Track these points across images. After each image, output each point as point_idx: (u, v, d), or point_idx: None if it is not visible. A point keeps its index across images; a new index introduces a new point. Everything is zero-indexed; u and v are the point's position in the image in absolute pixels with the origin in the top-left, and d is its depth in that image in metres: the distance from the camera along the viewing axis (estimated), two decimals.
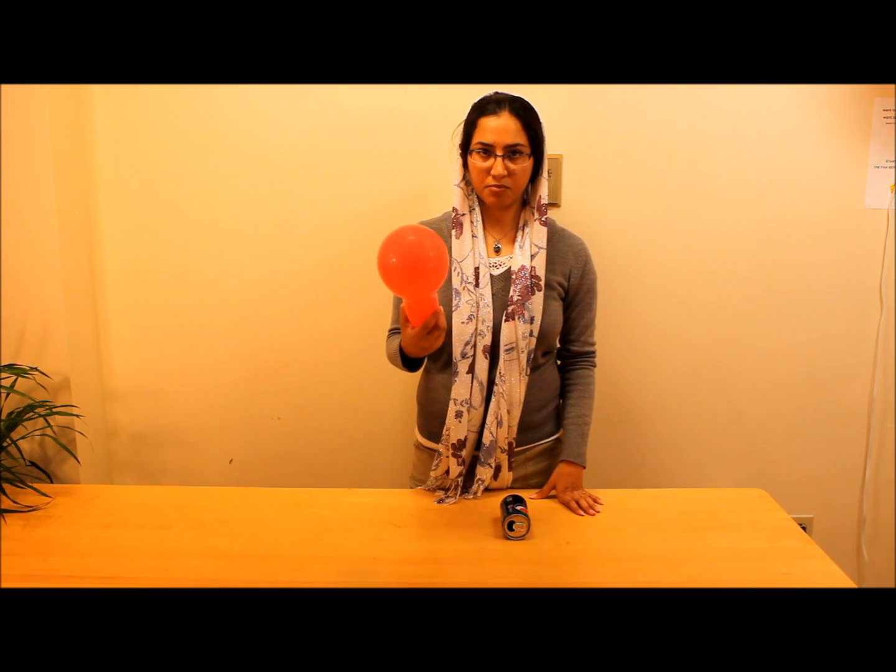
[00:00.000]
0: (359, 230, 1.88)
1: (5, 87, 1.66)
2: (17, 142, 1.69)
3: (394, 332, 1.59)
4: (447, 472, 1.54)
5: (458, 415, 1.49)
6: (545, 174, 1.49)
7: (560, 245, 1.53)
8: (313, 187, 1.87)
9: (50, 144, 1.70)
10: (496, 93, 1.45)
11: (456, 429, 1.49)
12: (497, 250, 1.51)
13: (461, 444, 1.50)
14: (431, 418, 1.57)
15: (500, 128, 1.41)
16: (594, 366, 1.61)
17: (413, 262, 1.24)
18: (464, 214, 1.49)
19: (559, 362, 1.63)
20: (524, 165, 1.44)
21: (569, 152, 1.84)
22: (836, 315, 1.95)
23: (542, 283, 1.48)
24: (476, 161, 1.44)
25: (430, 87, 1.81)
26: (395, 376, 1.62)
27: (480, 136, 1.42)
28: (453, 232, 1.48)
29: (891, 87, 1.84)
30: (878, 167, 1.88)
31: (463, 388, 1.48)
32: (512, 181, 1.43)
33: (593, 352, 1.61)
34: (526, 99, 1.44)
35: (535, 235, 1.49)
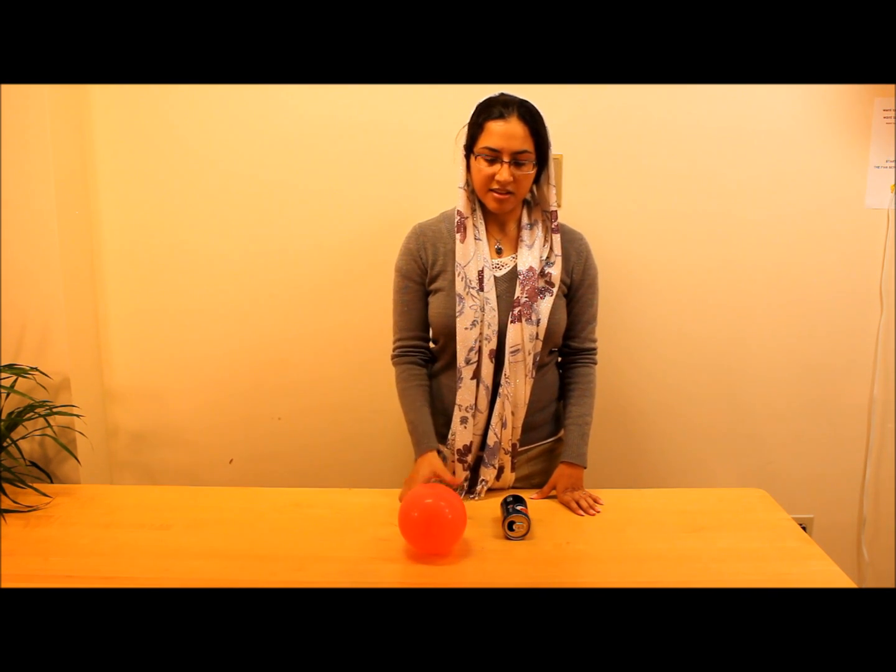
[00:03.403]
0: (359, 231, 1.88)
1: (5, 87, 1.66)
2: (17, 142, 1.69)
3: (400, 348, 1.56)
4: (452, 474, 1.54)
5: (464, 420, 1.48)
6: (552, 181, 1.47)
7: (561, 241, 1.53)
8: (314, 186, 1.87)
9: (50, 144, 1.70)
10: (502, 94, 1.43)
11: (461, 434, 1.49)
12: (499, 251, 1.51)
13: (467, 449, 1.50)
14: (436, 418, 1.56)
15: (508, 133, 1.38)
16: (595, 363, 1.60)
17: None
18: (467, 217, 1.48)
19: (559, 359, 1.63)
20: (529, 172, 1.43)
21: (569, 152, 1.84)
22: (837, 315, 1.95)
23: (556, 289, 1.48)
24: (481, 165, 1.41)
25: (430, 88, 1.80)
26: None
27: (487, 141, 1.39)
28: (457, 236, 1.47)
29: (891, 87, 1.84)
30: (878, 167, 1.88)
31: (468, 395, 1.47)
32: (516, 187, 1.42)
33: (594, 349, 1.60)
34: (532, 103, 1.42)
35: (549, 242, 1.49)
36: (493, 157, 1.40)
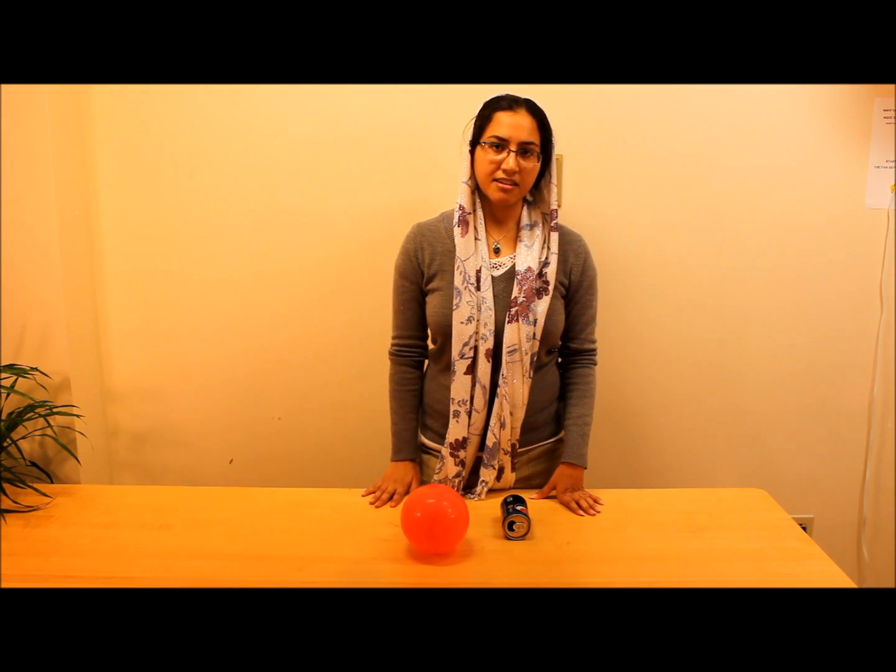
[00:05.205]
0: (359, 230, 1.88)
1: (5, 87, 1.66)
2: (17, 142, 1.69)
3: (396, 346, 1.58)
4: (438, 471, 1.54)
5: (456, 414, 1.49)
6: (554, 180, 1.49)
7: (559, 242, 1.53)
8: (314, 187, 1.87)
9: (50, 144, 1.70)
10: (508, 94, 1.45)
11: (454, 428, 1.49)
12: (496, 251, 1.51)
13: (458, 443, 1.50)
14: (435, 419, 1.57)
15: (517, 123, 1.41)
16: (595, 364, 1.60)
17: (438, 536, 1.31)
18: (470, 213, 1.48)
19: (559, 360, 1.63)
20: (534, 165, 1.44)
21: (569, 152, 1.84)
22: (837, 315, 1.95)
23: (551, 287, 1.48)
24: (487, 154, 1.42)
25: (432, 89, 1.80)
26: None
27: (495, 130, 1.41)
28: (458, 230, 1.47)
29: (891, 87, 1.84)
30: (878, 167, 1.88)
31: (461, 389, 1.47)
32: (521, 178, 1.43)
33: (594, 349, 1.60)
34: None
35: (549, 241, 1.49)
36: (501, 145, 1.41)
